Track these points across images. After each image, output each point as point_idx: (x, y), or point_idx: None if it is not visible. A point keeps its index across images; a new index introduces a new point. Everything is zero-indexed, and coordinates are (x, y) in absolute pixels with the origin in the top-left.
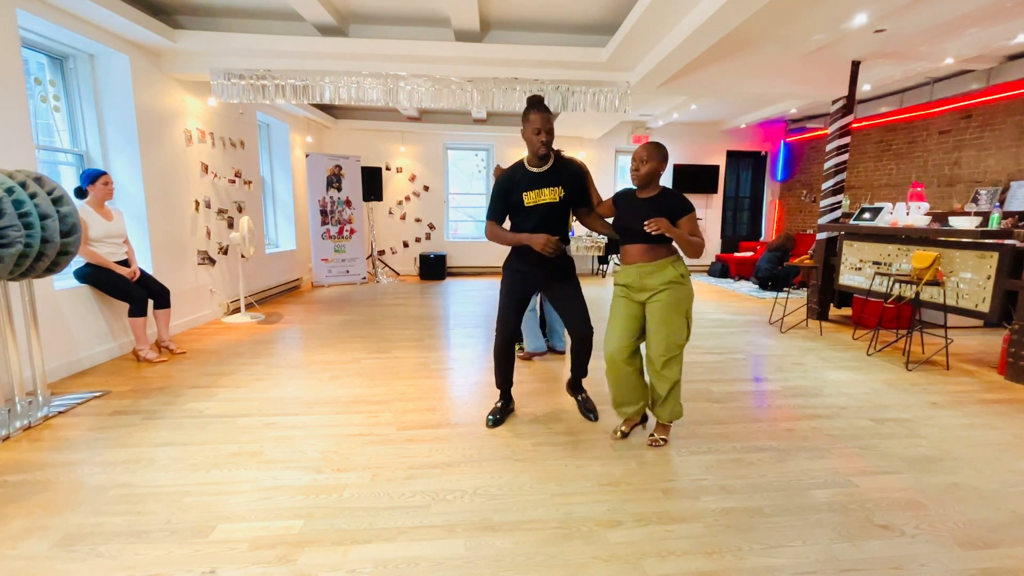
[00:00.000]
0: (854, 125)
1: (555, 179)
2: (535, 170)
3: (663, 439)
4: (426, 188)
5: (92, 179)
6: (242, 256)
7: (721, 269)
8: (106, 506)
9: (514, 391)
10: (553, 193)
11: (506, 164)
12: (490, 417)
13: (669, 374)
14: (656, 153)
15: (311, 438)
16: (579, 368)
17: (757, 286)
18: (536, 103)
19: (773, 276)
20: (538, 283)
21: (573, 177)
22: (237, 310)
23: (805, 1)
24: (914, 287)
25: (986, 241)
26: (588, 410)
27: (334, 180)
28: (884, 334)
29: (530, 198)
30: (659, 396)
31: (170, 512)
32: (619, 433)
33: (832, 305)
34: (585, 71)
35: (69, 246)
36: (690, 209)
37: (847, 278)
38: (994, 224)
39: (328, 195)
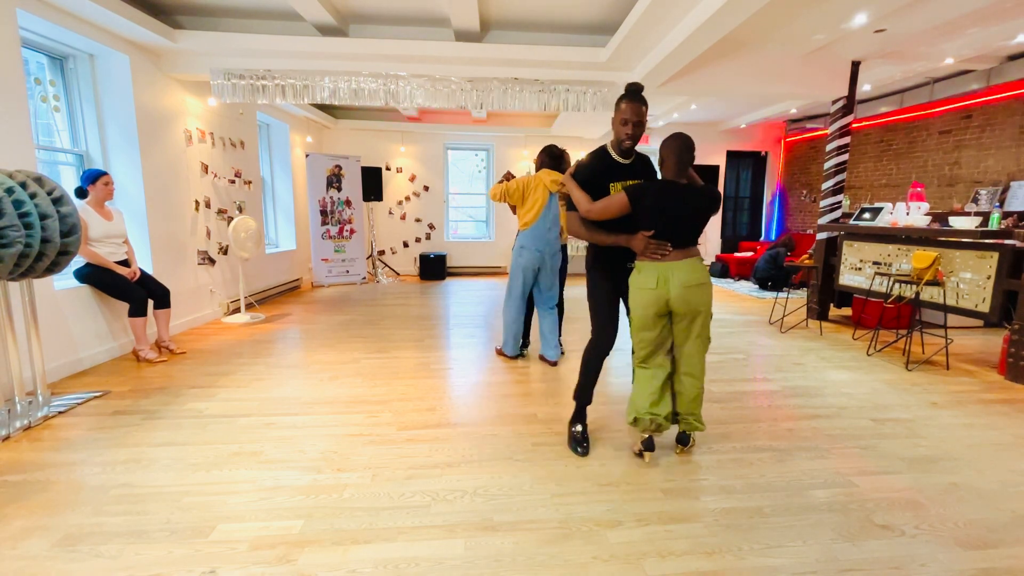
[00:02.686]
0: (854, 125)
1: (641, 173)
2: (623, 161)
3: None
4: (426, 188)
5: (92, 179)
6: (244, 255)
7: (721, 269)
8: (106, 506)
9: (514, 391)
10: None
11: (508, 166)
12: (579, 448)
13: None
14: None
15: (311, 438)
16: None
17: (757, 286)
18: (631, 92)
19: (771, 276)
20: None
21: (653, 173)
22: (237, 310)
23: (805, 1)
24: (914, 287)
25: (986, 241)
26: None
27: (334, 180)
28: (884, 334)
29: (617, 190)
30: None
31: (170, 512)
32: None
33: (832, 305)
34: (585, 71)
35: (69, 246)
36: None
37: (847, 278)
38: (994, 224)
39: (328, 195)
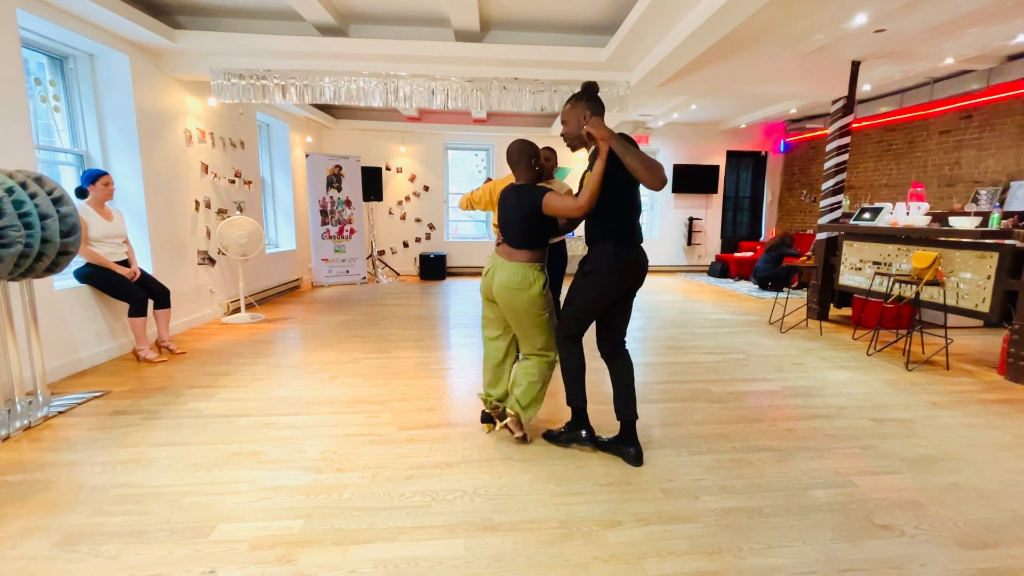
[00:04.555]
0: (854, 125)
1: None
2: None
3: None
4: (426, 188)
5: (92, 179)
6: (242, 256)
7: (721, 269)
8: (106, 506)
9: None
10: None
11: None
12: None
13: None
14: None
15: (311, 438)
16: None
17: (757, 286)
18: (574, 95)
19: (772, 276)
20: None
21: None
22: (237, 310)
23: (805, 1)
24: (914, 287)
25: (986, 241)
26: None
27: (334, 180)
28: (884, 334)
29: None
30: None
31: (170, 512)
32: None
33: (832, 305)
34: (585, 71)
35: (69, 246)
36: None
37: (847, 278)
38: (994, 224)
39: (328, 195)
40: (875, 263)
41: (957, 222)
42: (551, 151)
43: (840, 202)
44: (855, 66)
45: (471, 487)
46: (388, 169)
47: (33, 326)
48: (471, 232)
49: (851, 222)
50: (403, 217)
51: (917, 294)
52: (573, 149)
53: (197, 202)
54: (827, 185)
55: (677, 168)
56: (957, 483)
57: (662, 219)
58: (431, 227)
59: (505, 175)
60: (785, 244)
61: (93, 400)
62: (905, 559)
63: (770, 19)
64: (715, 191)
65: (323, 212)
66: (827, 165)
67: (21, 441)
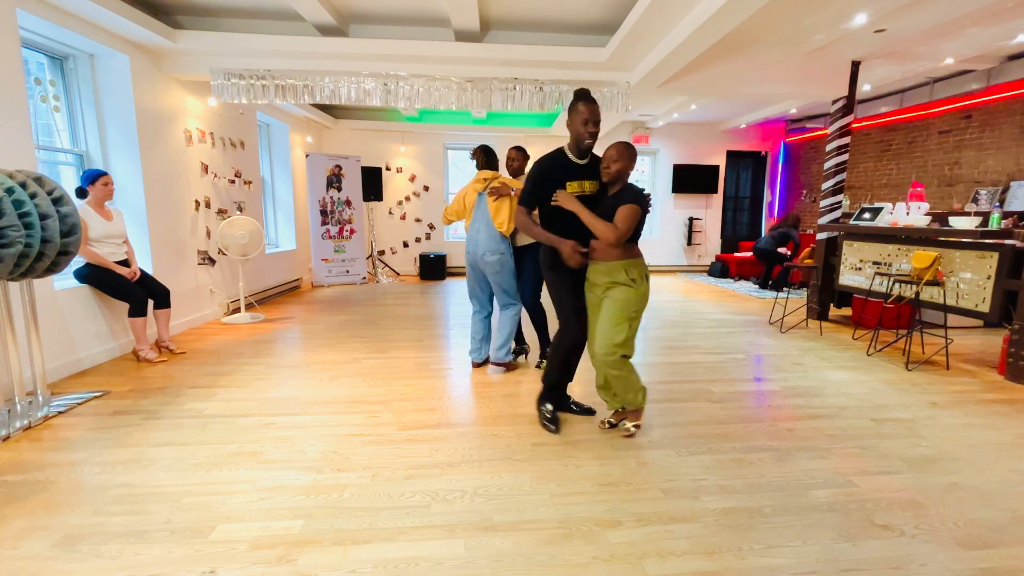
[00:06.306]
0: (854, 125)
1: (595, 173)
2: (578, 161)
3: (635, 425)
4: (426, 188)
5: (92, 179)
6: (242, 256)
7: (721, 269)
8: (106, 506)
9: (513, 391)
10: (593, 187)
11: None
12: (551, 426)
13: (611, 368)
14: (626, 153)
15: (311, 438)
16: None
17: (757, 285)
18: (584, 95)
19: (768, 254)
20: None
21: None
22: (237, 310)
23: (805, 1)
24: (914, 287)
25: (986, 241)
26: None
27: (334, 180)
28: (884, 334)
29: (572, 188)
30: (606, 384)
31: (170, 512)
32: (607, 424)
33: (832, 305)
34: (585, 71)
35: (69, 246)
36: (629, 201)
37: (847, 278)
38: (994, 224)
39: (328, 195)
40: (875, 263)
41: (957, 222)
42: (517, 151)
43: (840, 202)
44: (855, 66)
45: (471, 487)
46: (388, 169)
47: (33, 326)
48: None
49: (851, 222)
50: (403, 217)
51: (917, 294)
52: (594, 144)
53: (197, 202)
54: (827, 185)
55: (677, 168)
56: (957, 483)
57: (662, 219)
58: (431, 227)
59: (467, 183)
60: (793, 225)
61: (93, 400)
62: (905, 559)
63: (770, 19)
64: (715, 191)
65: (323, 212)
66: (827, 165)
67: (21, 441)
